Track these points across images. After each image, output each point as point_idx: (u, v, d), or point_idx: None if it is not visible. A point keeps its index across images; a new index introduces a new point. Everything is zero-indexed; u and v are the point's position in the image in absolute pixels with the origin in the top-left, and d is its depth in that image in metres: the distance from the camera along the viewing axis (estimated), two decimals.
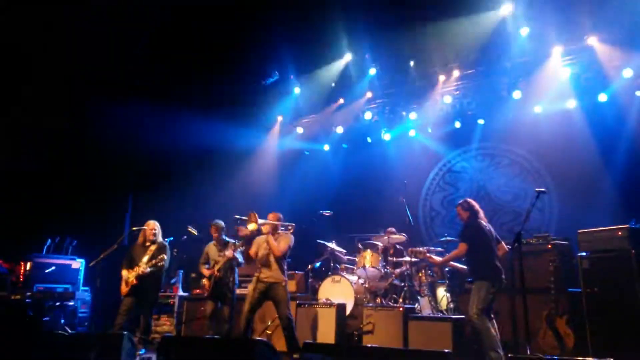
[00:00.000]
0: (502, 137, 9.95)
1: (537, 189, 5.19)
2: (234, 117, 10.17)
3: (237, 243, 6.53)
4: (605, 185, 8.30)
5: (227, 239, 6.98)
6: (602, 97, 8.59)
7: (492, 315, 5.69)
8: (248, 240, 6.53)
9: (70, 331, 7.06)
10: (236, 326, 6.38)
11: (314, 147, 11.29)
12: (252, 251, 6.39)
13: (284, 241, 6.25)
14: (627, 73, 8.19)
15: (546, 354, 5.95)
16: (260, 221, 6.12)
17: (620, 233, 5.78)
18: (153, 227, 7.02)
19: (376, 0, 8.89)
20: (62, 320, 7.51)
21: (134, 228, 6.79)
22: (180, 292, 8.13)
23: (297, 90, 10.80)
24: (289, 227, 6.40)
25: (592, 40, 8.39)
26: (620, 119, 8.44)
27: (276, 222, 6.32)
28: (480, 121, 9.88)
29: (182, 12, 8.81)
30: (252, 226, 6.09)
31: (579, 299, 6.03)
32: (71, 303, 7.66)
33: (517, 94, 9.21)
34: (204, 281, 6.83)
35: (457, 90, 9.86)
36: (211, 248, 7.08)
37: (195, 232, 7.28)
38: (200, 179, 9.95)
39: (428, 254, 6.69)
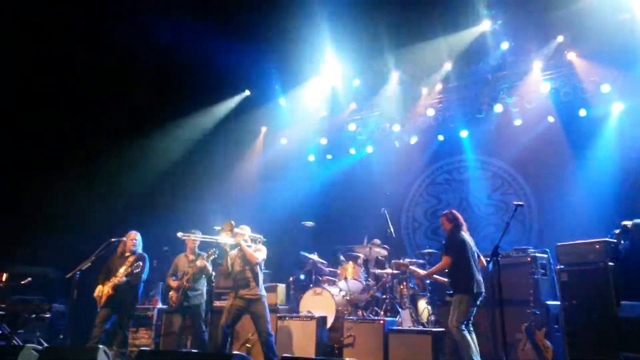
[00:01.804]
0: (484, 150, 10.05)
1: (515, 202, 5.23)
2: (217, 127, 10.13)
3: (208, 252, 6.44)
4: (584, 199, 8.39)
5: (199, 251, 6.92)
6: (582, 112, 8.74)
7: (472, 328, 5.69)
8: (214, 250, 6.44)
9: (45, 344, 6.91)
10: (213, 340, 6.29)
11: (298, 158, 11.28)
12: (224, 266, 6.23)
13: (259, 250, 6.20)
14: (605, 88, 8.33)
15: None
16: (235, 230, 6.05)
17: (597, 246, 5.85)
18: (134, 237, 6.92)
19: (361, 12, 8.95)
20: (38, 333, 7.36)
21: (113, 239, 6.67)
22: (160, 305, 8.01)
23: (281, 101, 10.81)
24: (258, 240, 6.34)
25: (572, 56, 8.55)
26: (599, 134, 8.58)
27: (250, 234, 6.27)
28: (463, 134, 9.96)
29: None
30: (226, 234, 6.01)
31: (557, 312, 6.07)
32: (47, 315, 7.50)
33: (498, 107, 9.34)
34: (171, 293, 6.70)
35: (440, 103, 9.97)
36: (181, 259, 6.96)
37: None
38: (183, 191, 9.86)
39: (411, 267, 6.70)
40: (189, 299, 6.67)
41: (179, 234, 6.48)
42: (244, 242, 6.07)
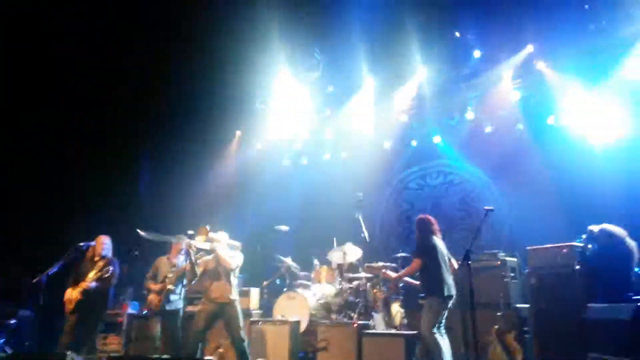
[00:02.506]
0: (456, 156, 10.21)
1: (485, 207, 5.32)
2: (190, 131, 10.03)
3: (197, 255, 6.32)
4: (553, 204, 8.57)
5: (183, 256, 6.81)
6: (551, 120, 8.96)
7: (444, 331, 5.75)
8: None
9: (9, 351, 6.70)
10: (185, 345, 6.20)
11: (273, 163, 11.25)
12: (199, 269, 6.16)
13: (234, 258, 6.14)
14: (573, 97, 8.56)
15: None
16: (210, 235, 5.98)
17: (565, 250, 5.99)
18: (103, 241, 6.77)
19: (336, 18, 9.02)
20: (2, 339, 7.12)
21: (81, 244, 6.51)
22: (130, 310, 7.86)
23: (257, 104, 10.78)
24: (236, 246, 6.28)
25: (541, 65, 8.76)
26: (568, 141, 8.80)
27: (228, 241, 6.21)
28: (436, 139, 10.10)
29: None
30: (201, 239, 5.94)
31: (527, 315, 6.19)
32: (12, 321, 7.27)
33: (470, 115, 9.52)
34: (152, 297, 6.56)
35: (413, 109, 10.10)
36: (163, 262, 6.80)
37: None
38: (155, 194, 9.72)
39: (383, 270, 6.74)
40: (170, 303, 6.55)
41: (140, 232, 6.31)
42: (220, 248, 6.00)
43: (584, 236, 6.18)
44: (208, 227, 5.96)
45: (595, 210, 7.71)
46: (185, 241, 6.29)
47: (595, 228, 6.04)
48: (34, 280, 6.20)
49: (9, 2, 7.95)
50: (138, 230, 6.40)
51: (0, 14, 7.84)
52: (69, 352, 5.29)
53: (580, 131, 8.63)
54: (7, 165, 8.86)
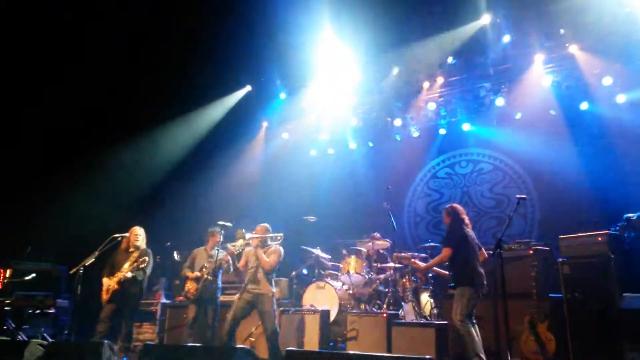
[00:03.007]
0: (485, 144, 10.06)
1: (517, 196, 5.23)
2: (218, 122, 10.13)
3: (235, 245, 6.44)
4: (586, 192, 8.41)
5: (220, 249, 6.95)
6: (584, 106, 8.73)
7: (475, 321, 5.71)
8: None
9: (50, 339, 6.95)
10: (218, 333, 6.32)
11: (300, 153, 11.28)
12: (241, 263, 6.34)
13: (274, 254, 6.20)
14: (607, 81, 8.33)
15: (528, 358, 6.01)
16: (248, 235, 6.10)
17: (600, 239, 5.85)
18: (137, 232, 6.94)
19: (363, 7, 8.93)
20: (42, 328, 7.39)
21: (116, 235, 6.69)
22: (163, 300, 8.05)
23: (282, 95, 10.80)
24: (278, 237, 6.34)
25: (573, 49, 8.53)
26: (601, 126, 8.57)
27: (265, 235, 6.28)
28: (465, 127, 9.96)
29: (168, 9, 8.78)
30: (240, 242, 6.09)
31: (560, 304, 6.09)
32: (52, 310, 7.53)
33: (500, 101, 9.34)
34: (189, 285, 6.76)
35: (441, 97, 9.96)
36: (200, 253, 7.04)
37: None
38: (185, 187, 9.86)
39: (412, 260, 6.71)
40: (208, 292, 6.73)
41: (220, 223, 6.50)
42: (260, 250, 6.13)
43: (620, 225, 6.03)
44: (244, 231, 6.07)
45: (629, 199, 7.53)
46: (228, 250, 6.54)
47: (633, 215, 5.88)
48: (72, 271, 6.40)
49: None
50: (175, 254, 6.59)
51: None
52: (105, 341, 5.45)
53: (614, 116, 8.41)
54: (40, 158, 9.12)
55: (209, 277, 6.70)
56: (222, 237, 6.77)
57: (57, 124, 9.15)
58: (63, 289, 8.51)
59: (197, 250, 7.11)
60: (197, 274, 6.81)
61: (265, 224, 6.38)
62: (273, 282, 6.25)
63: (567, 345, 5.83)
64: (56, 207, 8.96)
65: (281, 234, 6.32)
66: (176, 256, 7.11)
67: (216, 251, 6.72)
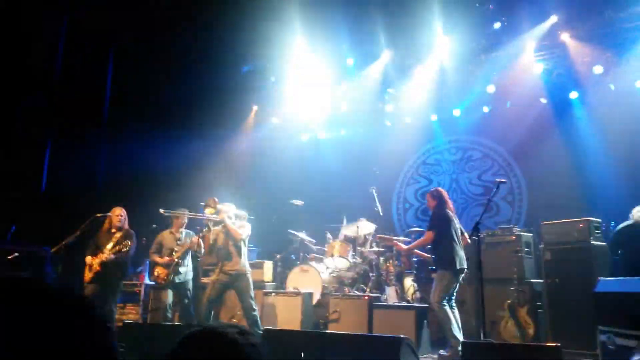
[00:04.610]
0: (475, 131, 10.05)
1: (496, 180, 5.22)
2: (206, 105, 10.06)
3: (202, 232, 6.43)
4: (574, 181, 8.41)
5: (186, 230, 6.92)
6: (573, 95, 8.72)
7: (454, 304, 5.73)
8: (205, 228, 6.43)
9: None
10: (198, 314, 6.34)
11: (290, 137, 11.24)
12: (209, 241, 6.28)
13: (244, 227, 6.20)
14: (598, 70, 8.30)
15: (507, 342, 6.05)
16: (218, 206, 6.04)
17: (581, 225, 5.88)
18: (119, 213, 6.87)
19: None
20: None
21: (98, 215, 6.63)
22: (147, 281, 8.04)
23: (272, 79, 10.73)
24: (242, 216, 6.32)
25: (565, 37, 8.48)
26: (590, 116, 8.57)
27: (235, 211, 6.26)
28: (455, 113, 9.93)
29: None
30: (209, 210, 6.01)
31: (540, 290, 6.12)
32: None
33: (490, 88, 9.30)
34: (159, 270, 6.68)
35: (433, 83, 9.90)
36: (165, 236, 6.88)
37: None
38: (168, 169, 9.81)
39: (395, 241, 6.72)
40: (179, 275, 6.69)
41: (162, 211, 6.43)
42: (228, 219, 6.07)
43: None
44: (216, 199, 6.01)
45: (618, 188, 7.55)
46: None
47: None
48: (53, 250, 6.37)
49: None
50: (160, 210, 6.48)
51: None
52: None
53: (603, 105, 8.39)
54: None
55: (179, 261, 6.64)
56: (186, 219, 6.75)
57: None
58: (47, 270, 8.48)
59: (162, 234, 6.93)
60: (166, 259, 6.68)
61: (230, 203, 6.33)
62: (246, 260, 6.23)
63: (546, 330, 5.87)
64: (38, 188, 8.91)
65: (245, 213, 6.30)
66: (162, 211, 6.93)
67: (183, 233, 6.70)
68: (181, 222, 6.87)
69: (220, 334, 1.13)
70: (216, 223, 6.14)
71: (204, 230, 6.33)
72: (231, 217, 6.16)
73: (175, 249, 6.70)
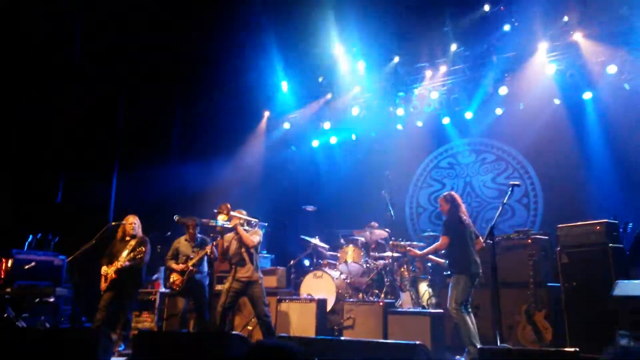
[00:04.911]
0: (488, 133, 9.96)
1: (510, 183, 5.15)
2: (218, 111, 10.12)
3: (217, 239, 6.44)
4: (589, 182, 8.32)
5: (201, 235, 6.95)
6: (587, 95, 8.61)
7: (470, 310, 5.67)
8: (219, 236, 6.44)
9: (49, 327, 7.00)
10: (213, 321, 6.34)
11: (301, 142, 11.25)
12: (222, 248, 6.29)
13: (256, 234, 6.20)
14: (612, 69, 8.19)
15: (525, 347, 5.96)
16: (231, 213, 6.06)
17: (597, 228, 5.78)
18: (132, 221, 6.95)
19: None
20: (42, 317, 7.44)
21: (113, 223, 6.72)
22: (162, 289, 8.07)
23: (284, 84, 10.75)
24: (254, 222, 6.33)
25: (577, 37, 8.39)
26: (605, 116, 8.46)
27: (246, 217, 6.27)
28: (468, 116, 9.85)
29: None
30: (222, 217, 6.03)
31: (558, 293, 6.03)
32: (52, 300, 7.58)
33: (503, 90, 9.22)
34: (174, 276, 6.72)
35: (444, 85, 9.85)
36: (182, 243, 6.95)
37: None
38: (182, 174, 9.86)
39: (409, 247, 6.67)
40: (194, 281, 6.72)
41: (176, 218, 6.47)
42: (240, 226, 6.08)
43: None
44: (229, 205, 6.02)
45: (634, 188, 7.43)
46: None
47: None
48: (69, 259, 6.44)
49: None
50: (175, 217, 6.52)
51: None
52: (102, 328, 5.48)
53: (618, 105, 8.28)
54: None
55: (194, 269, 6.67)
56: (199, 227, 6.77)
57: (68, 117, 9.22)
58: (64, 279, 8.57)
59: (178, 240, 7.00)
60: (182, 266, 6.73)
61: (242, 210, 6.33)
62: (259, 266, 6.23)
63: (564, 334, 5.78)
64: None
65: (256, 219, 6.31)
66: (177, 218, 6.92)
67: (199, 240, 6.73)
68: (194, 229, 6.91)
69: (285, 348, 1.25)
70: (228, 229, 6.15)
71: (218, 239, 6.35)
72: (243, 223, 6.17)
73: (190, 255, 6.75)
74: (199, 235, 6.95)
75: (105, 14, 8.80)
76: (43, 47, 8.59)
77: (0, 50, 8.22)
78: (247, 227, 6.22)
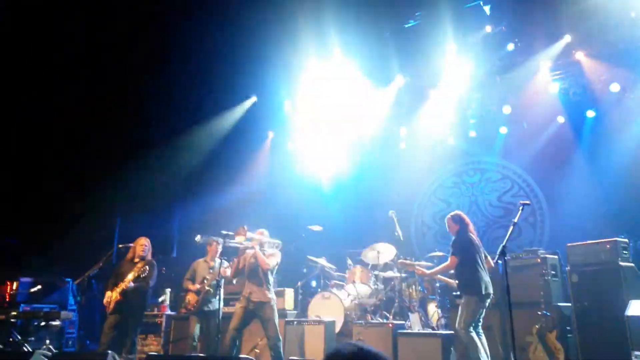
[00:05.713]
0: (492, 152, 9.97)
1: (520, 202, 5.13)
2: (223, 132, 10.16)
3: (233, 260, 6.42)
4: (595, 200, 8.29)
5: (220, 259, 6.93)
6: (590, 113, 8.66)
7: (481, 331, 5.60)
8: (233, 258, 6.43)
9: (54, 350, 6.93)
10: (222, 344, 6.27)
11: (306, 163, 11.26)
12: (233, 268, 6.27)
13: (273, 257, 6.17)
14: (615, 87, 8.24)
15: None
16: (249, 234, 6.05)
17: (608, 246, 5.75)
18: (143, 243, 6.91)
19: (368, 15, 8.95)
20: (47, 340, 7.38)
21: (121, 245, 6.70)
22: (168, 311, 8.01)
23: (287, 105, 10.81)
24: (276, 244, 6.31)
25: (580, 55, 8.47)
26: (608, 134, 8.47)
27: (265, 239, 6.25)
28: (472, 134, 9.87)
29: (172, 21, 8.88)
30: (240, 239, 6.01)
31: (569, 313, 5.97)
32: (57, 323, 7.52)
33: (506, 109, 9.26)
34: (190, 297, 6.70)
35: (448, 104, 9.89)
36: (200, 264, 6.96)
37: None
38: (188, 197, 9.88)
39: (417, 267, 6.63)
40: (209, 304, 6.69)
41: (197, 238, 6.46)
42: (258, 248, 6.06)
43: None
44: (246, 227, 6.01)
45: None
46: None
47: None
48: (77, 281, 6.40)
49: None
50: (197, 238, 6.50)
51: None
52: (109, 352, 5.42)
53: (622, 122, 8.31)
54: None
55: (210, 290, 6.64)
56: (221, 247, 6.74)
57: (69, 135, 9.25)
58: (69, 302, 8.52)
59: (197, 262, 7.03)
60: (198, 286, 6.73)
61: (265, 230, 6.33)
62: (272, 288, 6.19)
63: (577, 355, 5.71)
64: (63, 219, 9.00)
65: (279, 241, 6.28)
66: (198, 238, 6.84)
67: (217, 262, 6.69)
68: (215, 251, 6.91)
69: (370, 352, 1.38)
70: (247, 249, 6.14)
71: (234, 260, 6.33)
72: (264, 244, 6.15)
73: (207, 276, 6.72)
74: (217, 258, 6.91)
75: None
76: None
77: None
78: (266, 249, 6.19)
